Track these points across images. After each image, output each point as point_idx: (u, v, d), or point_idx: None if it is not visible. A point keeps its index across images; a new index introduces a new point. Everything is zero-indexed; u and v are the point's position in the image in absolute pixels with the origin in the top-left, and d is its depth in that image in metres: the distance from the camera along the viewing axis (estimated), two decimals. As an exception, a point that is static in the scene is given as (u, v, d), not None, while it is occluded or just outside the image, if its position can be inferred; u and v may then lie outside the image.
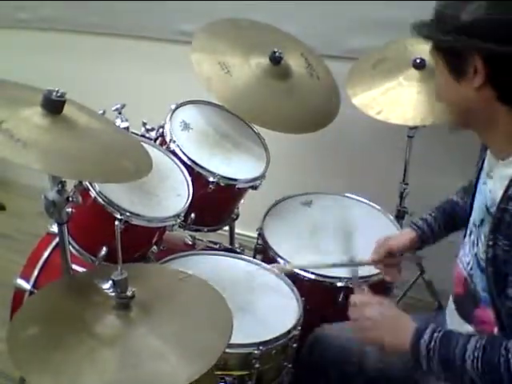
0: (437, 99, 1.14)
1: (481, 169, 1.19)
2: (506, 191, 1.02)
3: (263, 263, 1.63)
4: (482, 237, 1.10)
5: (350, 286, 1.58)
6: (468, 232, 1.20)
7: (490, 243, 1.05)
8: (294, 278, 1.57)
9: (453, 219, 1.46)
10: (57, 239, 1.60)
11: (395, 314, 1.19)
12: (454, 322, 1.24)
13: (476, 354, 1.04)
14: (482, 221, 1.11)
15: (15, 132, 1.04)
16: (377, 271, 1.59)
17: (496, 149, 1.11)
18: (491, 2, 0.97)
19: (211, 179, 1.68)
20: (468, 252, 1.18)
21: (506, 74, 1.00)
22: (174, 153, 1.70)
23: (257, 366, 1.33)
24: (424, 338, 1.09)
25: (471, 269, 1.15)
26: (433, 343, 1.08)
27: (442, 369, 1.08)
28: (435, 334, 1.09)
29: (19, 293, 1.66)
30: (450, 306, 1.27)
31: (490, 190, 1.10)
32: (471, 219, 1.20)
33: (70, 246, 1.44)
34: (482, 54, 0.98)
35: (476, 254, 1.13)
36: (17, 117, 1.09)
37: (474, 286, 1.15)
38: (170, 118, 1.77)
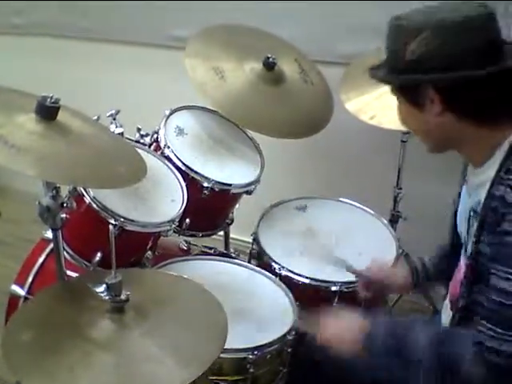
0: (407, 128, 1.20)
1: (463, 183, 1.24)
2: (489, 191, 1.07)
3: (258, 268, 1.63)
4: (470, 239, 1.13)
5: (345, 290, 1.59)
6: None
7: (474, 239, 1.10)
8: (288, 283, 1.58)
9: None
10: (51, 245, 1.59)
11: (344, 323, 1.24)
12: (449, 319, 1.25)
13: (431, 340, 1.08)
14: (469, 223, 1.15)
15: (9, 138, 1.04)
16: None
17: (473, 161, 1.17)
18: (428, 38, 1.03)
19: (206, 184, 1.69)
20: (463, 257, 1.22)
21: (460, 97, 1.06)
22: (168, 158, 1.70)
23: (251, 370, 1.33)
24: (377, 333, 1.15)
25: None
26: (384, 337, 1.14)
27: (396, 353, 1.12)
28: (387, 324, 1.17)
29: (14, 299, 1.65)
30: (445, 305, 1.29)
31: (475, 196, 1.13)
32: (459, 228, 1.24)
33: (65, 252, 1.44)
34: (432, 85, 1.05)
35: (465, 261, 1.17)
36: (11, 123, 1.09)
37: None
38: (165, 123, 1.78)
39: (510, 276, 1.02)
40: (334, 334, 1.23)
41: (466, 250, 1.19)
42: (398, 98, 1.14)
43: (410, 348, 1.10)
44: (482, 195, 1.09)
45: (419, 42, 1.03)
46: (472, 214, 1.13)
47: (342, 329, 1.23)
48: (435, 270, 1.45)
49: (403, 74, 1.08)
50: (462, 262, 1.22)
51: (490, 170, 1.09)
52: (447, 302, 1.29)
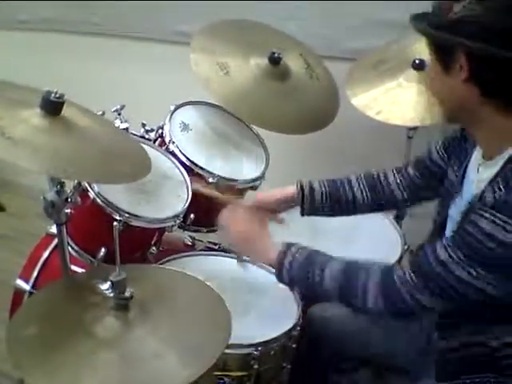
0: (428, 89, 1.21)
1: (466, 166, 1.22)
2: (482, 192, 1.07)
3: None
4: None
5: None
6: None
7: (456, 229, 1.10)
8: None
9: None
10: (56, 240, 1.60)
11: (256, 237, 1.36)
12: None
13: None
14: (465, 215, 1.11)
15: (10, 131, 1.04)
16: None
17: (483, 147, 1.15)
18: (473, 3, 1.01)
19: (210, 180, 1.68)
20: None
21: (487, 72, 1.04)
22: (173, 154, 1.70)
23: (256, 366, 1.33)
24: (288, 258, 1.25)
25: None
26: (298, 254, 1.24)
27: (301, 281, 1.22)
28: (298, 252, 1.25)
29: (18, 293, 1.65)
30: None
31: (472, 189, 1.13)
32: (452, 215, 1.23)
33: (69, 247, 1.45)
34: (466, 52, 1.04)
35: None
36: (15, 117, 1.09)
37: None
38: (170, 118, 1.77)
39: (451, 252, 1.05)
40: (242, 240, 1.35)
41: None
42: (431, 55, 1.13)
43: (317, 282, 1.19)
44: (477, 193, 1.09)
45: (465, 5, 1.01)
46: (467, 206, 1.12)
47: (250, 244, 1.34)
48: (332, 190, 1.47)
49: (441, 31, 1.05)
50: None
51: (494, 168, 1.08)
52: None
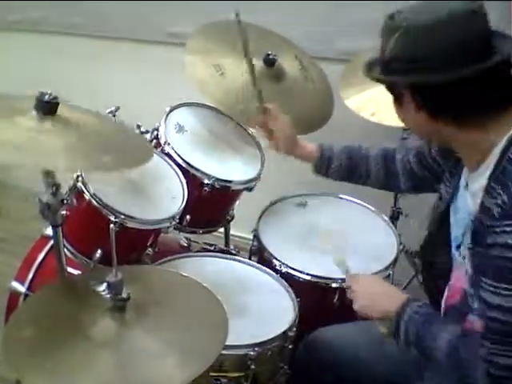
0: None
1: (457, 185, 1.23)
2: (481, 202, 1.07)
3: (259, 264, 1.63)
4: (466, 245, 1.13)
5: (345, 286, 1.59)
6: (454, 246, 1.23)
7: (471, 251, 1.10)
8: (289, 279, 1.58)
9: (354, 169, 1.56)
10: (52, 242, 1.59)
11: (382, 287, 1.31)
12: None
13: (448, 340, 1.09)
14: (465, 229, 1.15)
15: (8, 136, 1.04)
16: (375, 271, 1.63)
17: (465, 161, 1.17)
18: (398, 39, 1.05)
19: (206, 181, 1.69)
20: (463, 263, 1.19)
21: (428, 97, 1.08)
22: (168, 155, 1.70)
23: (252, 367, 1.33)
24: (411, 307, 1.17)
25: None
26: (418, 316, 1.15)
27: (417, 345, 1.15)
28: (422, 310, 1.16)
29: (14, 296, 1.65)
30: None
31: (472, 203, 1.13)
32: (454, 234, 1.23)
33: (65, 249, 1.44)
34: (405, 87, 1.09)
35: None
36: (12, 124, 1.09)
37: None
38: (165, 120, 1.77)
39: (495, 290, 1.02)
40: (370, 292, 1.29)
41: (459, 254, 1.18)
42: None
43: (431, 347, 1.12)
44: (476, 205, 1.09)
45: (392, 42, 1.06)
46: (467, 220, 1.13)
47: (378, 291, 1.29)
48: (348, 164, 1.55)
49: (382, 72, 1.11)
50: (457, 270, 1.21)
51: (483, 177, 1.08)
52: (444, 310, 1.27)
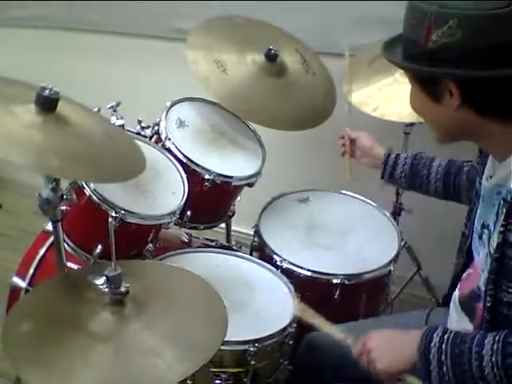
0: (418, 115, 1.15)
1: (482, 173, 1.20)
2: None
3: (259, 260, 1.63)
4: (497, 229, 1.08)
5: (346, 282, 1.58)
6: (476, 236, 1.20)
7: (502, 229, 1.05)
8: (290, 275, 1.58)
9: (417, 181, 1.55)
10: (52, 237, 1.59)
11: (394, 333, 1.18)
12: (458, 319, 1.23)
13: (495, 348, 1.02)
14: (497, 216, 1.09)
15: (6, 129, 1.04)
16: (376, 267, 1.61)
17: (495, 155, 1.13)
18: (453, 29, 0.97)
19: (207, 177, 1.68)
20: (481, 254, 1.17)
21: (478, 93, 1.02)
22: (169, 150, 1.69)
23: (252, 362, 1.33)
24: (434, 342, 1.08)
25: (483, 268, 1.14)
26: (444, 345, 1.06)
27: (455, 375, 1.05)
28: (446, 336, 1.07)
29: (15, 291, 1.66)
30: (455, 305, 1.26)
31: (503, 187, 1.08)
32: (478, 222, 1.19)
33: (66, 244, 1.44)
34: (454, 80, 1.01)
35: (488, 252, 1.12)
36: (8, 114, 1.09)
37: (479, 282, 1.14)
38: (166, 115, 1.77)
39: None
40: (382, 346, 1.15)
41: (488, 243, 1.12)
42: (411, 84, 1.10)
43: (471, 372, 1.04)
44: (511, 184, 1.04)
45: (443, 31, 0.97)
46: (502, 203, 1.07)
47: (391, 341, 1.16)
48: (410, 173, 1.54)
49: (421, 62, 1.02)
50: (478, 260, 1.18)
51: (510, 166, 1.05)
52: (456, 302, 1.25)
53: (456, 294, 1.27)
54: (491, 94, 1.02)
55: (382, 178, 1.61)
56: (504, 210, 1.05)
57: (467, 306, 1.21)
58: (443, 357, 1.06)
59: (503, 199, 1.07)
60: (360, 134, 1.69)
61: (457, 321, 1.24)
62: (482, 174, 1.21)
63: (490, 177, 1.15)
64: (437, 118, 1.10)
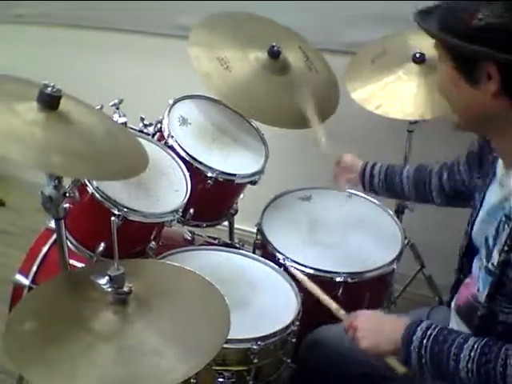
0: (443, 96, 1.08)
1: (491, 181, 1.16)
2: None
3: (262, 258, 1.63)
4: (497, 246, 1.07)
5: (349, 280, 1.58)
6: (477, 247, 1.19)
7: (504, 248, 1.03)
8: (292, 273, 1.57)
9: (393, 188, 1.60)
10: (55, 235, 1.59)
11: (383, 317, 1.23)
12: (458, 324, 1.23)
13: (472, 355, 1.04)
14: (498, 230, 1.07)
15: (9, 126, 1.03)
16: (380, 265, 1.62)
17: (507, 158, 1.08)
18: (501, 9, 0.92)
19: (210, 174, 1.68)
20: (478, 266, 1.17)
21: None
22: (172, 148, 1.69)
23: (255, 361, 1.33)
24: (417, 335, 1.10)
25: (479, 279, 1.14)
26: (425, 341, 1.09)
27: (432, 369, 1.08)
28: (429, 332, 1.10)
29: (18, 288, 1.65)
30: (453, 311, 1.26)
31: (508, 201, 1.06)
32: (479, 234, 1.18)
33: (68, 242, 1.44)
34: (495, 62, 0.94)
35: (486, 267, 1.11)
36: (11, 111, 1.08)
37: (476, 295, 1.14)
38: (168, 112, 1.76)
39: None
40: (370, 327, 1.19)
41: (486, 258, 1.11)
42: (442, 59, 1.03)
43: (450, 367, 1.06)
44: None
45: (491, 11, 0.91)
46: (504, 219, 1.05)
47: (378, 324, 1.20)
48: (386, 180, 1.59)
49: (461, 38, 0.95)
50: (477, 271, 1.17)
51: None
52: (455, 309, 1.25)
53: (454, 301, 1.27)
54: None
55: (364, 189, 1.67)
56: (506, 228, 1.03)
57: (465, 313, 1.20)
58: (423, 351, 1.09)
59: (505, 215, 1.05)
60: (344, 156, 1.72)
61: (457, 324, 1.24)
62: (477, 177, 1.20)
63: (498, 188, 1.12)
64: (467, 102, 1.02)
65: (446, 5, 1.01)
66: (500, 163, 1.13)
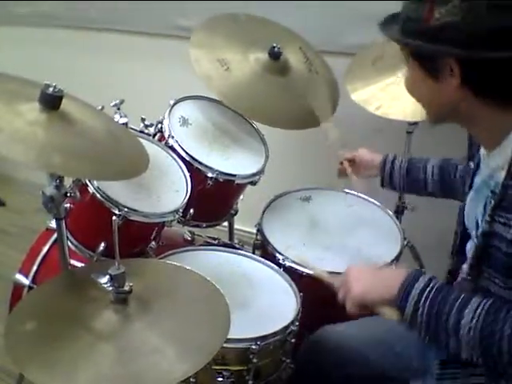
0: (412, 96, 1.14)
1: (478, 164, 1.19)
2: (508, 170, 1.02)
3: (262, 259, 1.63)
4: (486, 218, 1.06)
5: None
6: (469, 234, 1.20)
7: (488, 219, 1.04)
8: (292, 274, 1.58)
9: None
10: (56, 234, 1.60)
11: (378, 268, 1.23)
12: None
13: (479, 312, 1.00)
14: (485, 208, 1.08)
15: (10, 126, 1.04)
16: (380, 265, 1.61)
17: (484, 142, 1.13)
18: (457, 7, 0.96)
19: (210, 175, 1.68)
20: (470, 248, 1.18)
21: (480, 75, 1.01)
22: (172, 148, 1.69)
23: (255, 360, 1.33)
24: (419, 283, 1.06)
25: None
26: (429, 289, 1.05)
27: (427, 323, 1.03)
28: (433, 281, 1.06)
29: (18, 288, 1.66)
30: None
31: (492, 179, 1.08)
32: (469, 219, 1.19)
33: (69, 242, 1.45)
34: (455, 59, 1.00)
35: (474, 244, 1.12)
36: (13, 111, 1.09)
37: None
38: (169, 113, 1.77)
39: None
40: (363, 276, 1.15)
41: (476, 238, 1.12)
42: (408, 62, 1.09)
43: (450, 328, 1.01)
44: (501, 177, 1.04)
45: (448, 9, 0.96)
46: (490, 195, 1.07)
47: (373, 272, 1.16)
48: (407, 174, 1.57)
49: (422, 39, 1.00)
50: (469, 251, 1.19)
51: (507, 150, 1.04)
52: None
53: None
54: (491, 75, 1.00)
55: (382, 186, 1.65)
56: (492, 202, 1.05)
57: None
58: (422, 301, 1.04)
59: (491, 191, 1.07)
60: (359, 151, 1.71)
61: None
62: (476, 170, 1.20)
63: (481, 170, 1.15)
64: (433, 97, 1.08)
65: (405, 8, 1.05)
66: (481, 152, 1.17)
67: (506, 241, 1.01)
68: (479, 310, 1.00)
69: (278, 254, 1.64)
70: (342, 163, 1.72)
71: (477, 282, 1.08)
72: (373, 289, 1.12)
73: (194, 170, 1.67)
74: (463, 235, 1.25)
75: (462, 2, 0.95)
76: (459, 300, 1.02)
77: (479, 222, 1.12)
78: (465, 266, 1.17)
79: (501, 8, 0.95)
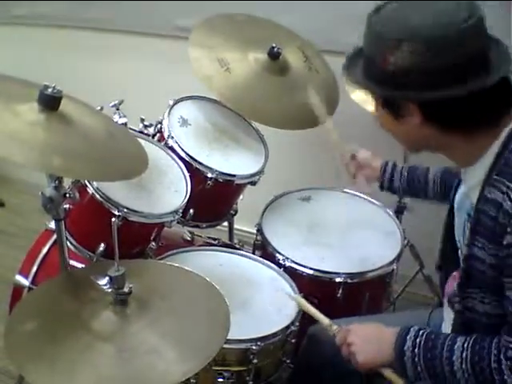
0: (385, 130, 1.17)
1: (456, 189, 1.23)
2: (480, 193, 1.06)
3: (262, 259, 1.63)
4: (465, 241, 1.11)
5: (349, 281, 1.58)
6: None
7: (467, 242, 1.08)
8: (292, 274, 1.57)
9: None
10: (55, 235, 1.59)
11: (374, 329, 1.22)
12: (447, 314, 1.24)
13: (464, 355, 1.06)
14: (464, 228, 1.13)
15: (9, 127, 1.04)
16: (379, 265, 1.62)
17: (459, 164, 1.15)
18: (405, 52, 0.98)
19: (209, 175, 1.68)
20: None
21: (439, 112, 1.04)
22: (172, 149, 1.69)
23: (255, 361, 1.33)
24: (407, 345, 1.12)
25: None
26: (417, 349, 1.11)
27: (429, 375, 1.10)
28: (418, 340, 1.12)
29: (18, 289, 1.66)
30: (445, 302, 1.27)
31: (468, 199, 1.13)
32: (456, 232, 1.22)
33: (68, 243, 1.44)
34: (419, 101, 1.03)
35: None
36: (11, 111, 1.09)
37: None
38: (168, 113, 1.77)
39: None
40: (363, 341, 1.19)
41: (461, 253, 1.16)
42: (374, 101, 1.13)
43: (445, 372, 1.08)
44: (474, 198, 1.07)
45: (397, 55, 0.99)
46: (466, 217, 1.12)
47: (371, 337, 1.20)
48: (407, 178, 1.56)
49: (381, 84, 1.04)
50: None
51: (480, 170, 1.07)
52: (446, 299, 1.27)
53: (445, 291, 1.28)
54: (450, 111, 1.03)
55: (381, 189, 1.63)
56: (469, 226, 1.09)
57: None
58: (416, 359, 1.11)
59: (468, 214, 1.11)
60: (359, 152, 1.68)
61: (447, 314, 1.25)
62: (459, 183, 1.23)
63: (461, 185, 1.19)
64: (402, 135, 1.13)
65: (366, 47, 1.09)
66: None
67: (487, 265, 1.05)
68: (464, 354, 1.06)
69: (278, 254, 1.64)
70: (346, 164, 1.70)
71: (464, 302, 1.11)
72: (374, 358, 1.18)
73: (194, 170, 1.67)
74: (445, 251, 1.30)
75: (408, 48, 0.98)
76: (445, 349, 1.08)
77: (461, 240, 1.17)
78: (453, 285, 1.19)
79: (439, 48, 0.97)
